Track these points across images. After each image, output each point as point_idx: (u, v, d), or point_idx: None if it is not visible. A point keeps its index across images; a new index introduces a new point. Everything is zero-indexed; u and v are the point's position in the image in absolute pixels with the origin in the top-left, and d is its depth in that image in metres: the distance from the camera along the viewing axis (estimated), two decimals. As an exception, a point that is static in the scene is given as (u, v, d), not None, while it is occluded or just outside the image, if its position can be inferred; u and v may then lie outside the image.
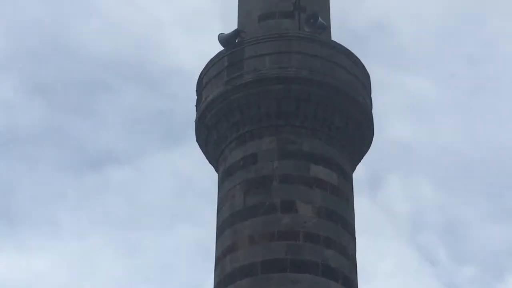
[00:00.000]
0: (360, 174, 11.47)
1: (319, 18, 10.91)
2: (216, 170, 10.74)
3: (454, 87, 29.44)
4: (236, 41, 10.96)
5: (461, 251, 30.62)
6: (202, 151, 11.09)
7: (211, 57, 11.09)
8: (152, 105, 29.80)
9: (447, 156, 28.64)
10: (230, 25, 12.16)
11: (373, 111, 10.93)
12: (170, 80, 31.81)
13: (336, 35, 11.76)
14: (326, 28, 11.18)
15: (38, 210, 30.16)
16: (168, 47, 32.56)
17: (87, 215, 28.75)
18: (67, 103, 29.45)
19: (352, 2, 23.96)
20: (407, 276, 28.02)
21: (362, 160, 11.05)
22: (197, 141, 11.02)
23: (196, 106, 11.07)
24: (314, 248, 9.26)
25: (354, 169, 10.75)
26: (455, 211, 29.48)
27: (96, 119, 30.32)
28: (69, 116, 30.55)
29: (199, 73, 11.17)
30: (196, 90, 11.17)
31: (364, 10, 27.04)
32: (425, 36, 29.93)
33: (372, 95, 11.07)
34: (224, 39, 11.01)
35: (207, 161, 11.05)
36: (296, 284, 8.99)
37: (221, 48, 10.97)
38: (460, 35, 29.88)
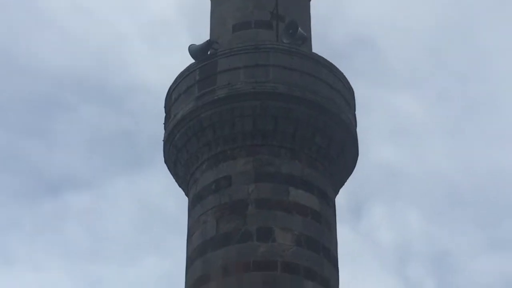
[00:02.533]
0: (341, 200, 11.08)
1: (299, 29, 10.64)
2: (186, 194, 10.45)
3: (443, 107, 28.85)
4: (209, 53, 10.68)
5: (451, 284, 29.59)
6: (171, 173, 10.82)
7: (180, 71, 10.86)
8: (114, 125, 28.77)
9: (436, 182, 28.18)
10: (200, 36, 11.93)
11: (357, 131, 10.60)
12: (133, 97, 30.42)
13: (316, 49, 11.48)
14: (307, 39, 10.95)
15: (-11, 240, 29.04)
16: (131, 62, 31.28)
17: (44, 245, 27.84)
18: (20, 122, 28.53)
19: (334, 12, 23.78)
20: (394, 310, 28.02)
21: (344, 185, 10.79)
22: (166, 162, 10.78)
23: (164, 124, 10.80)
24: (294, 280, 8.98)
25: (337, 193, 10.49)
26: (444, 241, 28.75)
27: (53, 140, 29.25)
28: (23, 137, 29.51)
29: (168, 88, 10.92)
30: (165, 107, 10.91)
31: (347, 22, 27.10)
32: (412, 52, 29.38)
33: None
34: (195, 51, 10.76)
35: (176, 184, 10.76)
36: (274, 319, 8.88)
37: (191, 61, 10.71)
38: (449, 52, 28.92)
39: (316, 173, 9.80)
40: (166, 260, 24.24)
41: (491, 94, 28.80)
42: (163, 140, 10.56)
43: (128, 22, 32.27)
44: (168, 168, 10.76)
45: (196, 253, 9.39)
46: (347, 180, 10.72)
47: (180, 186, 10.71)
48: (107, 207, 28.59)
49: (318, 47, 11.65)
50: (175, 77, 10.82)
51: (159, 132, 10.77)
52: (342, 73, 10.61)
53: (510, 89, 29.11)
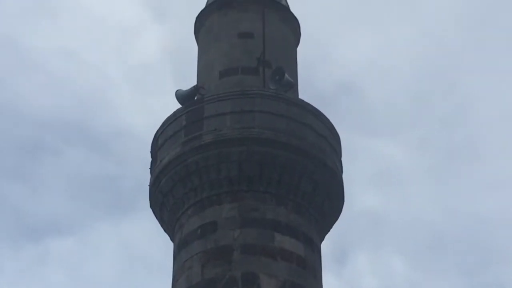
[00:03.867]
0: (326, 247, 10.93)
1: (286, 75, 10.67)
2: (172, 240, 10.32)
3: (426, 153, 28.83)
4: (195, 98, 10.70)
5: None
6: (157, 218, 10.72)
7: (166, 116, 10.82)
8: (98, 169, 28.39)
9: (419, 228, 28.05)
10: (186, 81, 12.03)
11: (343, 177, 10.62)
12: (118, 142, 30.21)
13: (302, 94, 11.57)
14: (294, 85, 10.97)
15: (-30, 286, 28.56)
16: (116, 106, 31.09)
17: (26, 291, 27.29)
18: (3, 166, 28.24)
19: (319, 59, 23.93)
20: None
21: (329, 231, 10.70)
22: (151, 207, 10.67)
23: (150, 169, 10.76)
24: None
25: (322, 239, 10.39)
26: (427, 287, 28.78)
27: (36, 184, 28.90)
28: (6, 180, 29.15)
29: (154, 133, 10.86)
30: (151, 151, 10.86)
31: (332, 68, 27.16)
32: (395, 98, 29.54)
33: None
34: (181, 96, 10.80)
35: (160, 230, 10.66)
36: None
37: (178, 105, 10.71)
38: (433, 97, 29.16)
39: (302, 219, 9.72)
40: (150, 306, 24.08)
41: (474, 140, 28.81)
42: (148, 185, 10.45)
43: (114, 66, 32.52)
44: (154, 213, 10.61)
45: (181, 299, 9.33)
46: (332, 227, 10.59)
47: (165, 231, 10.56)
48: (89, 252, 28.16)
49: (304, 92, 11.69)
50: (161, 122, 10.75)
51: (145, 176, 10.68)
52: (328, 119, 10.58)
53: (493, 135, 29.11)
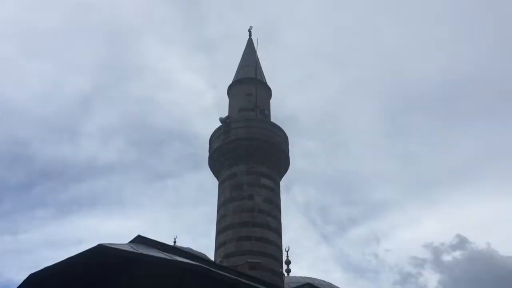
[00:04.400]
0: (281, 183, 20.68)
1: (265, 111, 20.82)
2: (218, 180, 19.74)
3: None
4: (227, 121, 20.48)
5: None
6: (212, 171, 20.21)
7: (215, 128, 20.57)
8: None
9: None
10: (223, 113, 21.80)
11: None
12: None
13: (272, 119, 21.51)
14: (268, 116, 21.11)
15: None
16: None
17: None
18: None
19: (279, 104, 36.59)
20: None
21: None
22: (210, 166, 20.19)
23: (209, 151, 20.55)
24: (262, 216, 18.14)
25: (280, 179, 20.01)
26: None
27: None
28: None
29: (211, 135, 20.75)
30: (209, 143, 20.71)
31: (283, 107, 40.24)
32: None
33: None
34: (221, 120, 20.69)
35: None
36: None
37: (219, 124, 20.75)
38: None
39: (273, 171, 19.28)
40: None
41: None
42: (208, 157, 20.11)
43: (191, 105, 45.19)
44: (210, 169, 20.00)
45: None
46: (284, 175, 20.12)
47: (215, 176, 19.77)
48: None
49: (273, 118, 21.52)
50: (213, 131, 20.50)
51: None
52: (283, 130, 20.29)
53: None
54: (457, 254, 63.46)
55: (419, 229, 64.39)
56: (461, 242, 62.26)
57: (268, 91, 22.42)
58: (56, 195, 57.17)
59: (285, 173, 20.59)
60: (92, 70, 53.95)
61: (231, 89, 22.40)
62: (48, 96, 52.87)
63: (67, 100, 51.46)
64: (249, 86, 21.79)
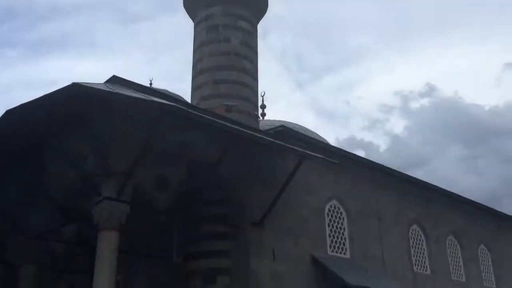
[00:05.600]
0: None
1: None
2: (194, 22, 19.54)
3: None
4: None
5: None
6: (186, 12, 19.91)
7: None
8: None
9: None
10: None
11: None
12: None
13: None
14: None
15: None
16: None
17: None
18: None
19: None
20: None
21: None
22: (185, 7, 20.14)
23: None
24: (239, 59, 18.24)
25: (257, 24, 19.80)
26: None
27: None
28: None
29: None
30: None
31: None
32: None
33: None
34: None
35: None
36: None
37: None
38: None
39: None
40: None
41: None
42: None
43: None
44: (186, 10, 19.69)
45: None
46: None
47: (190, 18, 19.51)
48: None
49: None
50: None
51: None
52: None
53: None
54: (425, 101, 65.79)
55: (391, 76, 66.12)
56: (430, 90, 64.43)
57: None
58: (24, 34, 56.75)
59: (262, 16, 20.26)
60: None
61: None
62: None
63: None
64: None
